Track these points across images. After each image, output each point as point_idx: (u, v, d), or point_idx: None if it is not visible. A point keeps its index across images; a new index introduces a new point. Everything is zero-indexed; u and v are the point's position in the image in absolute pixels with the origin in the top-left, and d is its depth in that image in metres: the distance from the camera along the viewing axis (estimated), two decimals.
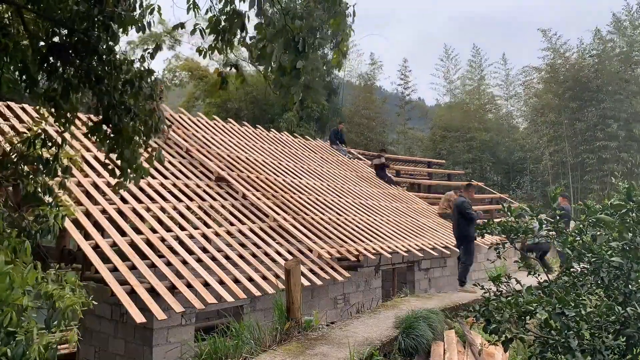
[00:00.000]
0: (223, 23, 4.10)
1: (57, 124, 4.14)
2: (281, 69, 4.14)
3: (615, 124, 22.68)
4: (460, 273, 8.68)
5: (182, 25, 4.39)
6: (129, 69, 3.89)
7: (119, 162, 4.09)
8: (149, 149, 4.25)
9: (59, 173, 4.21)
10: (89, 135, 4.10)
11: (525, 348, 3.98)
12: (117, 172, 4.16)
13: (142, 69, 3.98)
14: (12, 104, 8.33)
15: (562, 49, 25.47)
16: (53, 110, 4.00)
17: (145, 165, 4.22)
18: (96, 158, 7.88)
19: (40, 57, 3.79)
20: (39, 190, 4.11)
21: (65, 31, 3.79)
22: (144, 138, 4.07)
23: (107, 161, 4.33)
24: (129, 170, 4.05)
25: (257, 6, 4.00)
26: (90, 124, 4.12)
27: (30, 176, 4.12)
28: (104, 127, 3.98)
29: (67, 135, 4.31)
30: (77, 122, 7.77)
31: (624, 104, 23.05)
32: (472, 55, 31.26)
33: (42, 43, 3.90)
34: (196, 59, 25.26)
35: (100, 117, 3.92)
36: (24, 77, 3.94)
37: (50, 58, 3.77)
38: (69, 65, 3.78)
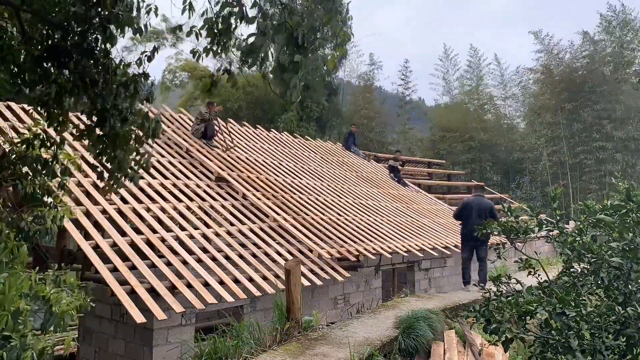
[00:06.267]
0: (223, 13, 4.08)
1: (51, 127, 4.11)
2: (280, 66, 4.13)
3: (610, 124, 22.77)
4: (485, 274, 8.54)
5: (180, 27, 4.38)
6: (125, 72, 3.86)
7: (108, 165, 4.04)
8: (139, 155, 4.18)
9: (58, 174, 4.20)
10: (81, 138, 4.04)
11: (526, 348, 3.98)
12: (106, 175, 4.12)
13: (139, 72, 3.94)
14: (12, 104, 8.34)
15: (556, 50, 25.59)
16: (46, 114, 3.96)
17: (134, 169, 4.15)
18: (96, 158, 7.88)
19: (36, 60, 3.75)
20: (38, 191, 4.10)
21: (60, 33, 3.75)
22: (139, 142, 4.02)
23: (96, 164, 4.28)
24: (119, 175, 4.02)
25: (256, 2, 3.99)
26: (82, 127, 4.07)
27: (29, 177, 4.11)
28: (97, 130, 3.92)
29: (66, 135, 4.30)
30: (73, 123, 7.79)
31: (618, 104, 23.11)
32: (470, 56, 31.33)
33: (39, 46, 3.87)
34: (191, 59, 25.25)
35: (94, 120, 3.86)
36: (18, 80, 3.91)
37: (45, 62, 3.73)
38: (64, 68, 3.74)
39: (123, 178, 4.06)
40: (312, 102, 22.06)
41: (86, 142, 4.10)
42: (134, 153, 4.06)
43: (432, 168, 19.95)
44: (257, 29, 4.00)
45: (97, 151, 3.98)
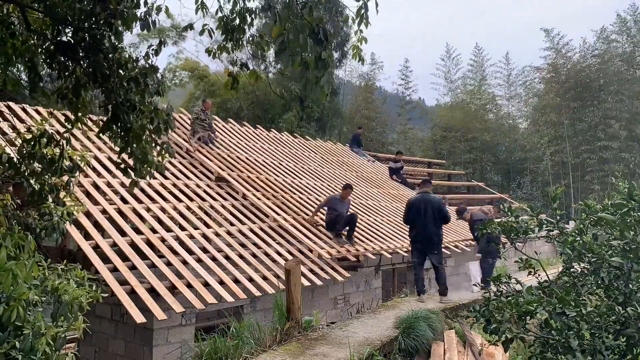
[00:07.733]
0: (242, 18, 4.09)
1: (64, 123, 4.16)
2: (304, 64, 4.07)
3: (617, 124, 22.68)
4: (445, 279, 7.43)
5: (191, 26, 4.39)
6: (134, 66, 3.90)
7: (130, 160, 4.09)
8: (158, 146, 4.24)
9: (65, 172, 4.22)
10: (101, 134, 4.10)
11: (526, 348, 3.97)
12: (129, 170, 4.16)
13: (147, 65, 3.98)
14: (12, 104, 8.34)
15: (565, 49, 25.50)
16: (65, 108, 4.03)
17: (157, 159, 4.21)
18: (96, 158, 7.89)
19: (49, 55, 3.80)
20: (46, 188, 4.11)
21: (71, 30, 3.80)
22: (153, 135, 4.07)
23: (119, 160, 4.33)
24: (143, 167, 4.06)
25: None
26: (96, 124, 4.13)
27: (36, 175, 4.12)
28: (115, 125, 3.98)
29: (77, 133, 4.31)
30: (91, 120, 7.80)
31: (626, 104, 23.05)
32: (474, 55, 31.27)
33: (48, 42, 3.91)
34: (196, 59, 25.25)
35: (109, 115, 3.93)
36: (31, 75, 3.96)
37: (59, 56, 3.78)
38: (76, 62, 3.79)
39: (148, 170, 4.10)
40: (312, 102, 22.05)
41: (106, 137, 4.15)
42: (154, 144, 4.13)
43: (432, 168, 19.93)
44: (279, 30, 3.97)
45: (120, 146, 4.01)
